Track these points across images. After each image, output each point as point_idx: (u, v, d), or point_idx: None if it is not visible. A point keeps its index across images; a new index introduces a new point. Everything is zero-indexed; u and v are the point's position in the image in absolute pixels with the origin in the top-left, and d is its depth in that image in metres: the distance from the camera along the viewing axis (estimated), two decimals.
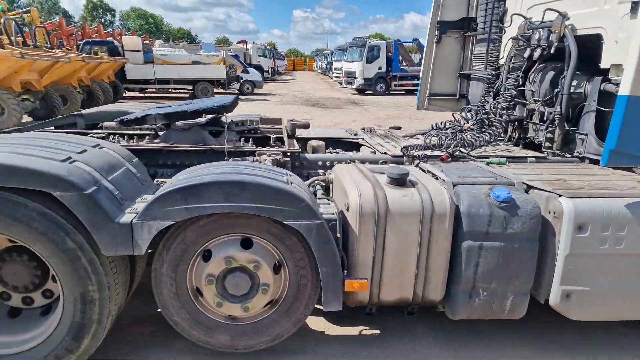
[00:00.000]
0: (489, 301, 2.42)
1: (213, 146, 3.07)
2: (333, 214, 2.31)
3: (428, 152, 3.18)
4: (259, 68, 28.57)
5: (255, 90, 21.66)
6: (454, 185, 2.48)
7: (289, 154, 3.05)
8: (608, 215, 2.28)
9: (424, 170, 2.82)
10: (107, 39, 20.40)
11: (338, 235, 2.25)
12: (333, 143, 3.90)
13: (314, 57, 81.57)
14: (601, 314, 2.47)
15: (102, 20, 68.78)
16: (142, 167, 2.66)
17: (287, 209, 2.14)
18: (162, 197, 2.10)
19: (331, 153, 3.46)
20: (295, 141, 3.55)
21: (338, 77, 27.30)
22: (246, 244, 2.30)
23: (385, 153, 3.30)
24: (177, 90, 18.66)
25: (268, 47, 37.93)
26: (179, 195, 2.10)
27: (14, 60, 9.24)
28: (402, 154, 3.19)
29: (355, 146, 3.85)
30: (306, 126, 3.74)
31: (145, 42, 20.79)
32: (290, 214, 2.15)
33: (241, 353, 2.44)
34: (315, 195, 2.75)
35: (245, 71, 21.25)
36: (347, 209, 2.32)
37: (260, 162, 2.85)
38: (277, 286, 2.36)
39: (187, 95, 18.36)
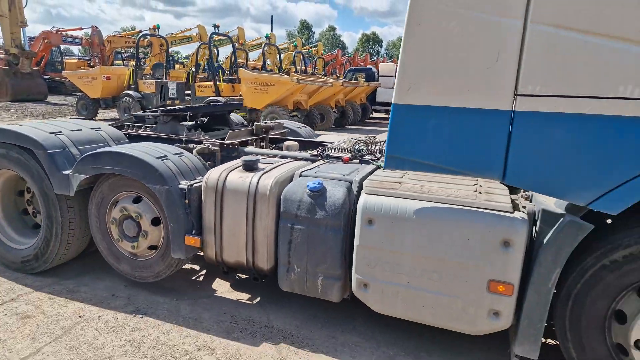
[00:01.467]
0: (303, 278, 2.75)
1: (177, 135, 4.05)
2: (191, 185, 3.01)
3: (335, 153, 3.52)
4: None
5: None
6: (300, 176, 2.89)
7: (225, 145, 3.80)
8: (394, 214, 2.38)
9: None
10: (368, 66, 23.69)
11: (186, 201, 2.94)
12: (305, 143, 4.47)
13: None
14: (397, 311, 2.51)
15: (371, 51, 78.76)
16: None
17: (148, 176, 2.96)
18: (84, 158, 3.16)
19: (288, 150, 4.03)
20: (264, 140, 4.28)
21: None
22: (137, 200, 3.20)
23: (307, 152, 3.75)
24: None
25: None
26: (91, 158, 3.13)
27: (291, 85, 12.26)
28: (317, 154, 3.60)
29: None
30: (272, 128, 4.41)
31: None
32: (150, 180, 2.95)
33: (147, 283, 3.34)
34: None
35: None
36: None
37: (192, 150, 3.67)
38: (156, 235, 3.18)
39: None
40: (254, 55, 22.75)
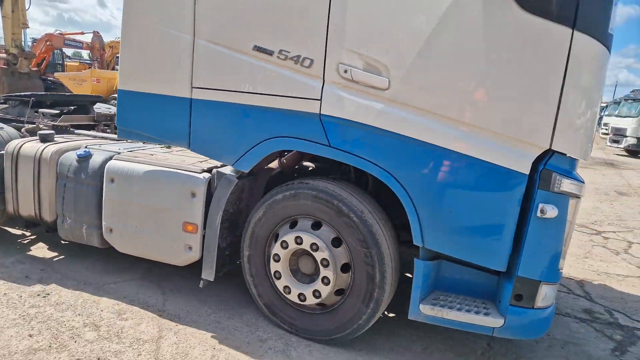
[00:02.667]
0: (73, 227, 3.48)
1: (21, 118, 4.70)
2: None
3: None
4: None
5: None
6: (85, 147, 3.64)
7: (56, 127, 4.48)
8: (126, 174, 3.18)
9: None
10: None
11: None
12: None
13: None
14: (132, 250, 3.29)
15: None
16: None
17: None
18: None
19: None
20: (110, 127, 5.00)
21: (606, 135, 22.93)
22: None
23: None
24: None
25: None
26: None
27: None
28: None
29: None
30: (114, 115, 5.14)
31: None
32: None
33: None
34: None
35: None
36: None
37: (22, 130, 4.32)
38: None
39: None
40: None
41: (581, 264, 4.83)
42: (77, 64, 21.37)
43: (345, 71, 2.52)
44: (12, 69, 17.19)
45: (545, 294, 2.47)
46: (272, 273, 2.89)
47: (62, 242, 3.93)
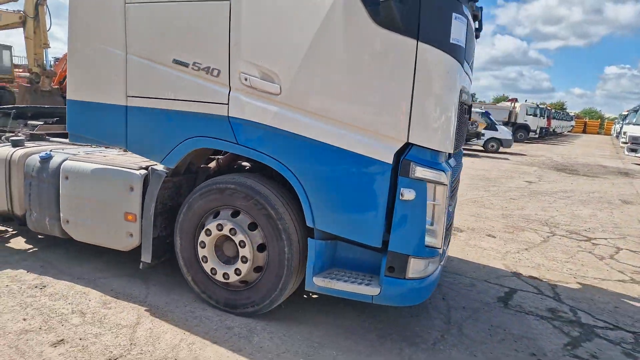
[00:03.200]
0: (39, 220, 3.98)
1: (5, 128, 5.27)
2: None
3: None
4: (524, 127, 29.42)
5: (502, 149, 20.88)
6: (50, 151, 4.15)
7: (33, 135, 5.02)
8: (78, 172, 3.67)
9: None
10: None
11: None
12: None
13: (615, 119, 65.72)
14: (86, 238, 3.78)
15: None
16: None
17: None
18: None
19: None
20: None
21: (624, 144, 22.15)
22: None
23: None
24: None
25: (541, 106, 35.47)
26: None
27: None
28: None
29: None
30: None
31: None
32: None
33: None
34: None
35: (492, 128, 20.86)
36: None
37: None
38: None
39: None
40: None
41: (560, 267, 5.00)
42: None
43: (246, 79, 2.97)
44: (35, 87, 18.47)
45: (415, 267, 2.87)
46: (201, 258, 3.34)
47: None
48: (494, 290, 4.18)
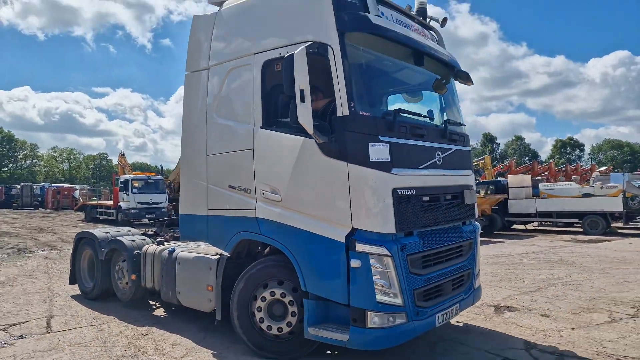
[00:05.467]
0: (166, 293, 6.11)
1: (160, 233, 7.96)
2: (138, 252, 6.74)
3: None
4: None
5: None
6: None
7: (167, 237, 7.54)
8: (183, 259, 5.72)
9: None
10: (498, 178, 24.03)
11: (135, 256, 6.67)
12: None
13: None
14: (188, 304, 5.66)
15: (571, 156, 76.19)
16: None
17: (122, 248, 6.83)
18: (109, 242, 7.24)
19: None
20: None
21: None
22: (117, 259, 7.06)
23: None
24: (563, 223, 19.18)
25: None
26: (112, 242, 7.21)
27: None
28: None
29: None
30: None
31: (608, 172, 24.95)
32: (123, 249, 6.82)
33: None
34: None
35: None
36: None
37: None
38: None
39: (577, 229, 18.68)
40: None
41: (595, 346, 5.26)
42: None
43: (263, 193, 4.70)
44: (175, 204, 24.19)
45: (374, 319, 3.88)
46: (258, 320, 4.80)
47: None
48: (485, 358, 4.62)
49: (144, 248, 6.69)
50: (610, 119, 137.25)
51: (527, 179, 20.30)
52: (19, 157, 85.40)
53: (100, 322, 6.20)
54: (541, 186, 19.63)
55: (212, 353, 4.93)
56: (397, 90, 5.43)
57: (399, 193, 4.14)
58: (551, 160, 37.15)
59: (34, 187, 49.15)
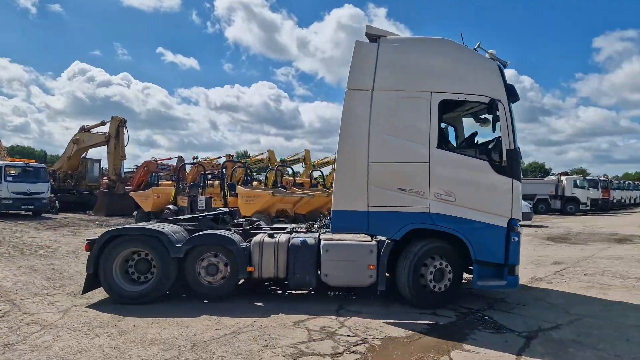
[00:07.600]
0: (300, 279, 6.91)
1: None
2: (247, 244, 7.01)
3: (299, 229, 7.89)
4: (573, 200, 33.44)
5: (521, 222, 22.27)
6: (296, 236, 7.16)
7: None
8: (334, 245, 6.81)
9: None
10: None
11: (244, 249, 6.93)
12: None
13: None
14: (339, 283, 6.90)
15: None
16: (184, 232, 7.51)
17: (227, 244, 6.92)
18: (191, 239, 6.95)
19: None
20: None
21: None
22: (215, 255, 7.05)
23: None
24: None
25: (594, 178, 39.02)
26: (203, 238, 6.98)
27: (268, 197, 17.00)
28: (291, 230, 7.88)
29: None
30: (260, 227, 8.58)
31: None
32: (228, 244, 6.91)
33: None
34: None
35: None
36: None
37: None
38: (224, 271, 7.03)
39: None
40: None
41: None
42: (170, 182, 24.56)
43: (437, 195, 6.70)
44: (112, 192, 23.34)
45: (517, 270, 6.75)
46: (427, 279, 6.71)
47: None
48: None
49: (257, 238, 7.05)
50: None
51: None
52: None
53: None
54: None
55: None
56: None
57: None
58: None
59: None
